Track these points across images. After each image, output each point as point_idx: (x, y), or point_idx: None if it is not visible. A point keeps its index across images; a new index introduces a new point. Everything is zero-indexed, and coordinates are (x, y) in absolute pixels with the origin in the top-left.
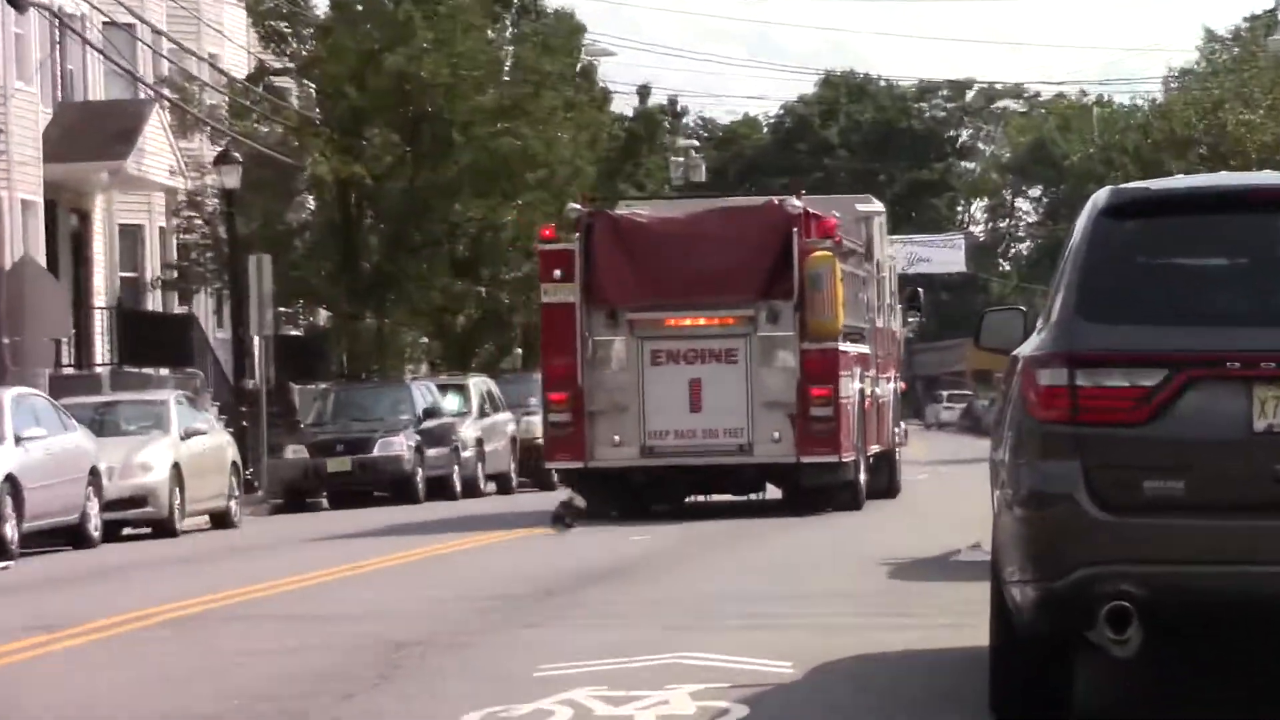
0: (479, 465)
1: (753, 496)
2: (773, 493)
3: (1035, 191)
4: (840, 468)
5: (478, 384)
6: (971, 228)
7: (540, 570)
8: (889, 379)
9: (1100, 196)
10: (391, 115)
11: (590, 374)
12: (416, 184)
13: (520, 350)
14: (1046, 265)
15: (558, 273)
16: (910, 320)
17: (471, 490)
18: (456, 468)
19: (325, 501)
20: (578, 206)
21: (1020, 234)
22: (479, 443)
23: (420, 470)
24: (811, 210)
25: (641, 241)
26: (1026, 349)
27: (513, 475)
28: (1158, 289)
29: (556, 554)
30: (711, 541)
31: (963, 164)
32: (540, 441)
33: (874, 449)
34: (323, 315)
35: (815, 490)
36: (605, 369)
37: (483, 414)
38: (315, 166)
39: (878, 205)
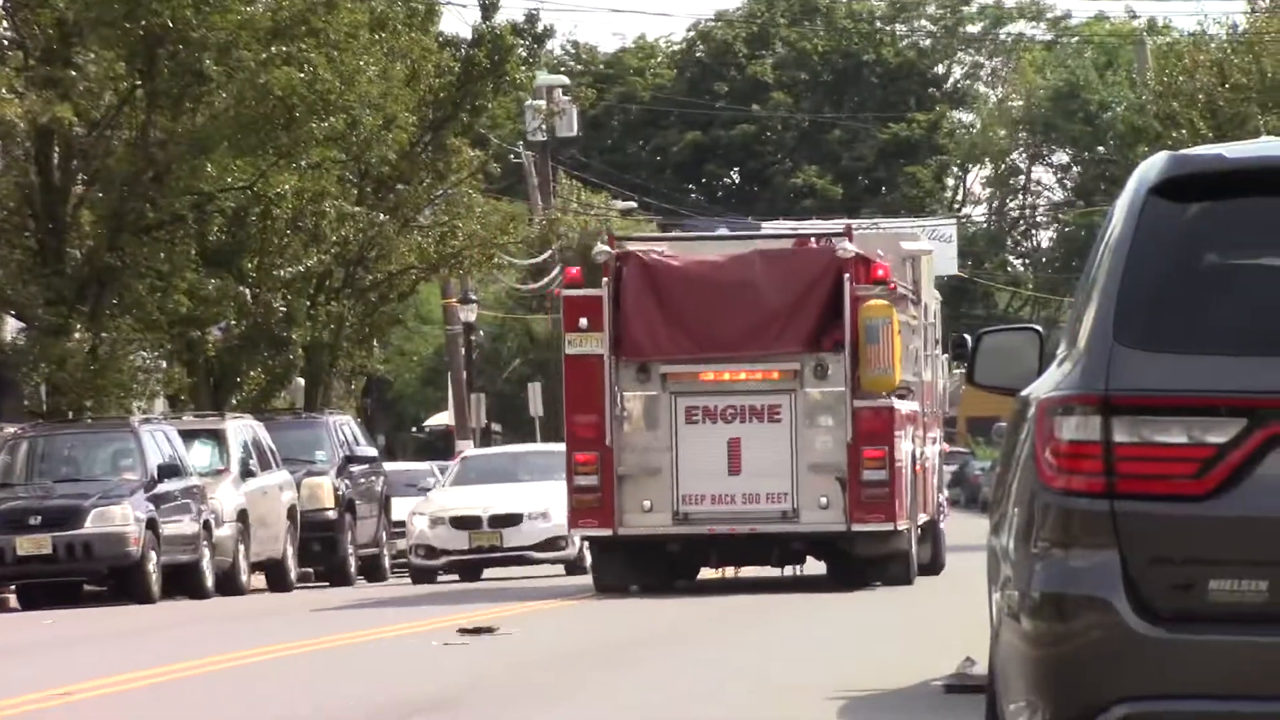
0: (240, 548)
1: (789, 570)
2: (811, 566)
3: (1061, 157)
4: (895, 537)
5: (239, 430)
6: (968, 209)
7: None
8: (934, 439)
9: (1152, 167)
10: (114, 32)
11: (619, 433)
12: (150, 135)
13: (303, 380)
14: (1074, 266)
15: (584, 321)
16: (956, 371)
17: (229, 584)
18: (207, 552)
19: (13, 598)
20: (606, 249)
21: (1038, 219)
22: (241, 516)
23: (154, 555)
24: (861, 252)
25: (675, 287)
26: (1042, 388)
27: (290, 563)
28: (1233, 303)
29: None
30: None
31: (956, 116)
32: (332, 515)
33: (922, 518)
34: (10, 326)
35: (866, 562)
36: (635, 428)
37: (247, 473)
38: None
39: (925, 244)
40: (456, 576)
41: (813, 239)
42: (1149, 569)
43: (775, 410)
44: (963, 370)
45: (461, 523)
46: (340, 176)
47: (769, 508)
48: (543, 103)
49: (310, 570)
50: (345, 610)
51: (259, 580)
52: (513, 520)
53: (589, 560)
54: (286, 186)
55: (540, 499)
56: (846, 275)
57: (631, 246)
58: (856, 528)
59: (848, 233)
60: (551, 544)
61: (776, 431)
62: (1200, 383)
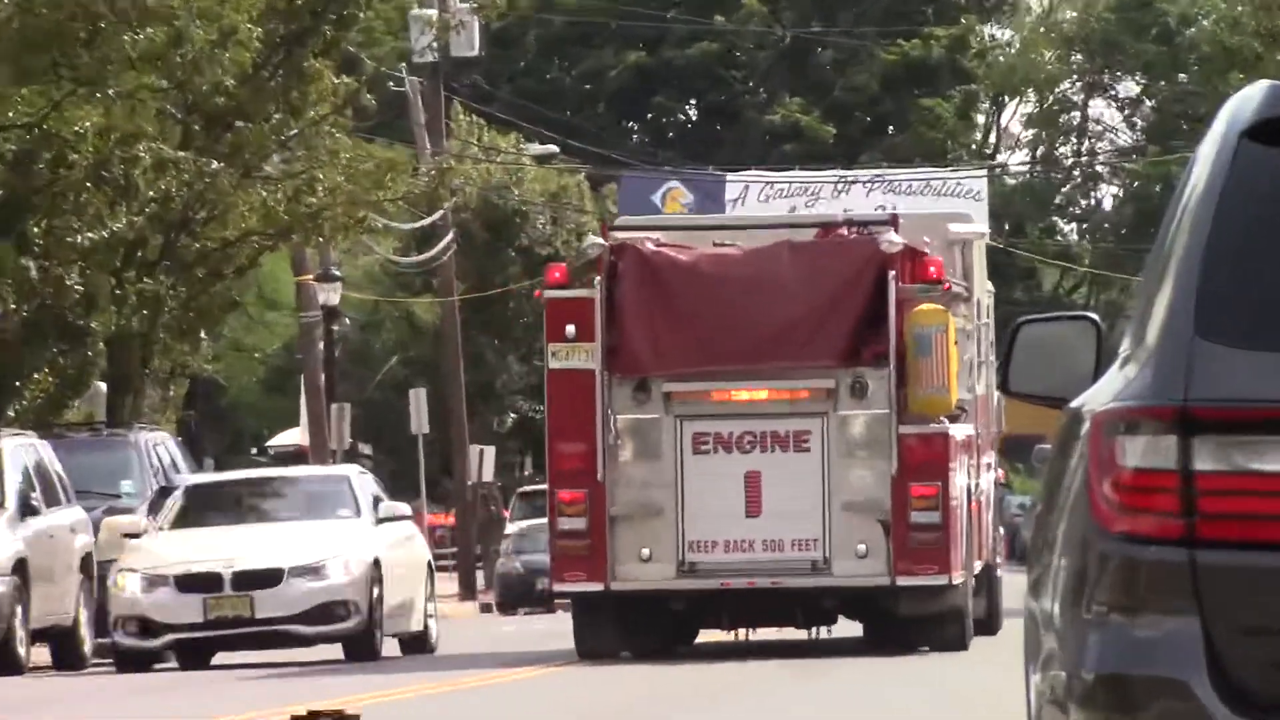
0: (17, 610)
1: (817, 633)
2: (842, 628)
3: (1128, 88)
4: (949, 592)
5: (18, 451)
6: (1003, 156)
7: None
8: (989, 465)
9: (1248, 102)
10: None
11: (612, 466)
12: None
13: (105, 385)
14: (1146, 233)
15: (571, 329)
16: None
17: (3, 659)
18: None
19: None
20: (598, 241)
21: (1097, 169)
22: (19, 567)
23: None
24: (909, 243)
25: (681, 287)
26: (1099, 398)
27: (84, 631)
28: None
29: None
30: None
31: (988, 31)
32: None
33: (977, 565)
34: None
35: (913, 622)
36: (632, 459)
37: (28, 510)
38: None
39: (978, 225)
40: (176, 664)
41: (846, 228)
42: (1241, 642)
43: (803, 438)
44: None
45: (192, 583)
46: (159, 110)
47: (795, 556)
48: (433, 12)
49: (120, 636)
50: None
51: (41, 653)
52: (269, 579)
53: (572, 620)
54: (87, 124)
55: (310, 546)
56: (891, 273)
57: (628, 237)
58: (902, 581)
59: (893, 222)
60: (326, 613)
61: (804, 464)
62: None
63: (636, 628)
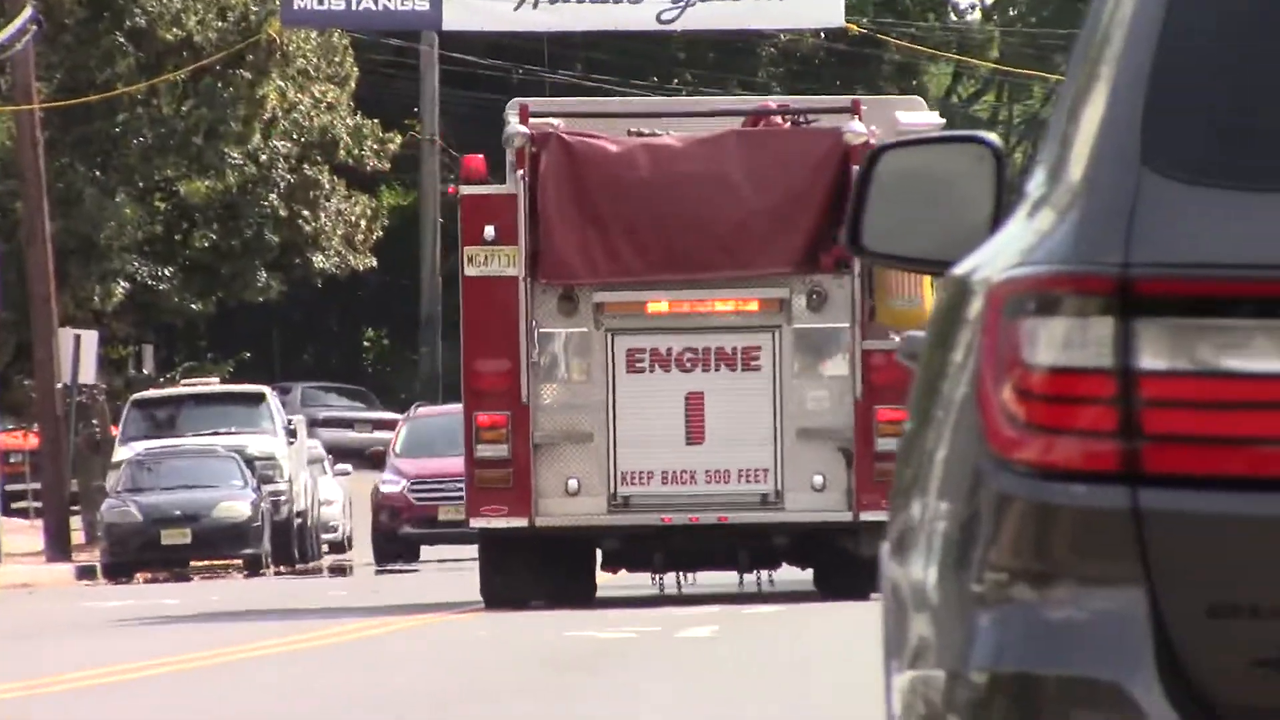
0: None
1: (760, 577)
2: (786, 575)
3: None
4: None
5: None
6: None
7: None
8: None
9: None
10: None
11: (536, 386)
12: None
13: None
14: (1076, 12)
15: (490, 231)
16: None
17: None
18: None
19: None
20: (519, 128)
21: None
22: None
23: None
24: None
25: (612, 182)
26: (995, 261)
27: None
28: None
29: None
30: None
31: None
32: None
33: None
34: None
35: (875, 564)
36: (556, 378)
37: None
38: None
39: (930, 114)
40: None
41: (803, 116)
42: (1204, 626)
43: (752, 355)
44: None
45: None
46: None
47: (743, 489)
48: None
49: None
50: None
51: None
52: None
53: (479, 560)
54: None
55: None
56: (856, 168)
57: (554, 123)
58: (866, 516)
59: (855, 108)
60: None
61: (754, 384)
62: None
63: (552, 571)
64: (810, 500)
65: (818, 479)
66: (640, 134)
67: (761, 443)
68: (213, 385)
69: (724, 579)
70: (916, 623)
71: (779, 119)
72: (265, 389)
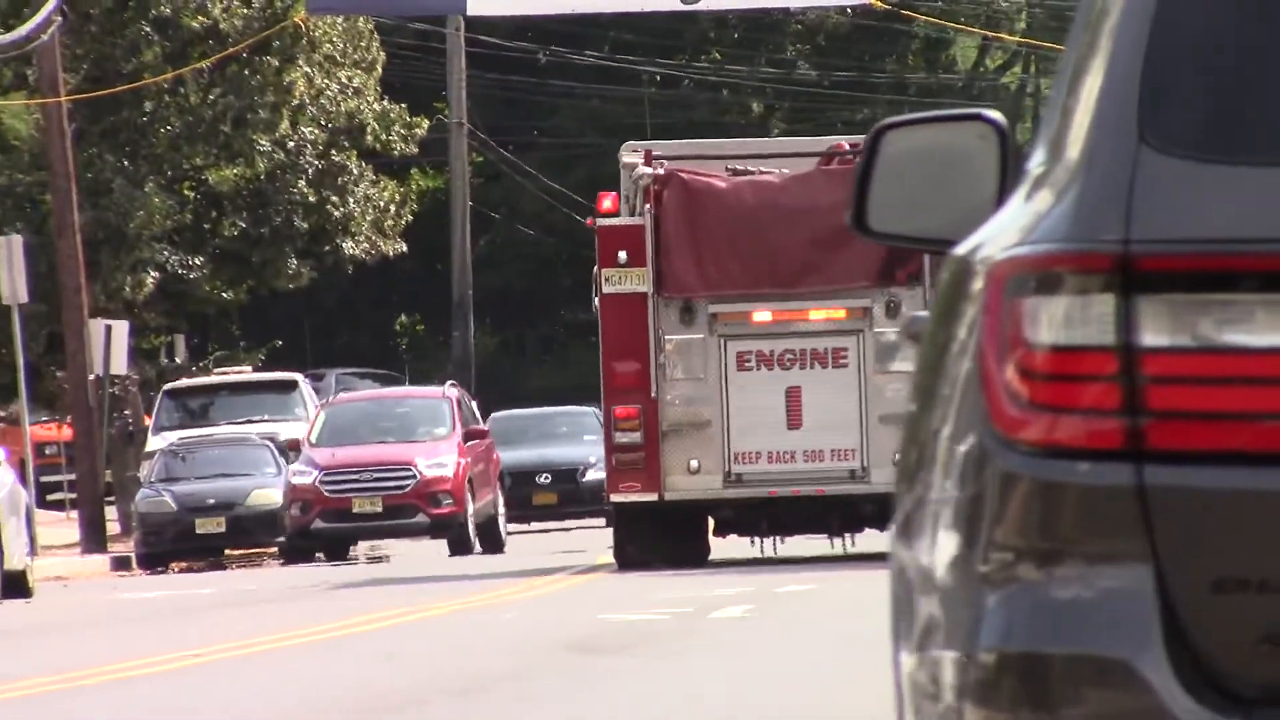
0: None
1: (844, 542)
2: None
3: None
4: None
5: None
6: None
7: None
8: None
9: None
10: None
11: (663, 383)
12: None
13: None
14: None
15: (623, 255)
16: None
17: None
18: None
19: None
20: (646, 170)
21: None
22: None
23: None
24: None
25: (722, 213)
26: (997, 240)
27: None
28: None
29: None
30: None
31: None
32: None
33: None
34: None
35: None
36: (680, 376)
37: None
38: None
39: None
40: None
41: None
42: (1213, 603)
43: (841, 354)
44: None
45: None
46: None
47: (835, 466)
48: None
49: None
50: None
51: None
52: None
53: (613, 530)
54: None
55: None
56: None
57: (675, 165)
58: None
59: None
60: None
61: (842, 379)
62: None
63: (677, 537)
64: (891, 474)
65: (898, 455)
66: (737, 171)
67: (849, 427)
68: (245, 374)
69: (812, 546)
70: (924, 604)
71: (851, 156)
72: (298, 376)
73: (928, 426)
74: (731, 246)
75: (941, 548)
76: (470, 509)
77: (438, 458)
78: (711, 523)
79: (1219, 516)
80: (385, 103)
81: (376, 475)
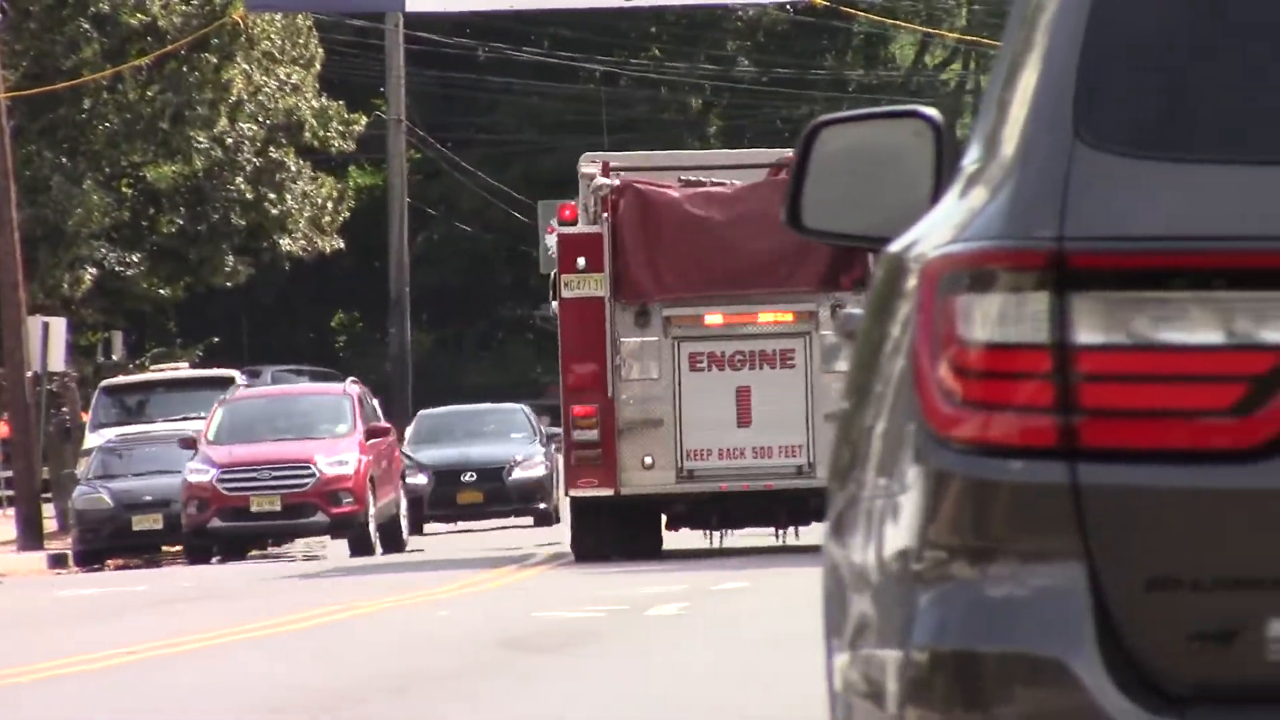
0: None
1: (785, 535)
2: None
3: None
4: None
5: None
6: None
7: None
8: None
9: None
10: None
11: (619, 383)
12: None
13: None
14: None
15: (582, 261)
16: None
17: None
18: None
19: None
20: (604, 180)
21: None
22: None
23: None
24: None
25: (676, 221)
26: (930, 237)
27: None
28: None
29: None
30: None
31: None
32: None
33: None
34: None
35: None
36: (635, 377)
37: None
38: None
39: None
40: None
41: None
42: (1146, 601)
43: (788, 355)
44: None
45: None
46: None
47: (783, 462)
48: None
49: None
50: None
51: None
52: None
53: (571, 524)
54: None
55: None
56: None
57: (631, 176)
58: None
59: None
60: None
61: (790, 379)
62: (1250, 219)
63: (631, 531)
64: None
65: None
66: (689, 181)
67: (797, 425)
68: (182, 370)
69: (757, 537)
70: (857, 602)
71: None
72: (235, 373)
73: (861, 424)
74: (685, 253)
75: (874, 546)
76: (372, 508)
77: (338, 455)
78: (664, 518)
79: (1152, 515)
80: (324, 99)
81: (275, 473)
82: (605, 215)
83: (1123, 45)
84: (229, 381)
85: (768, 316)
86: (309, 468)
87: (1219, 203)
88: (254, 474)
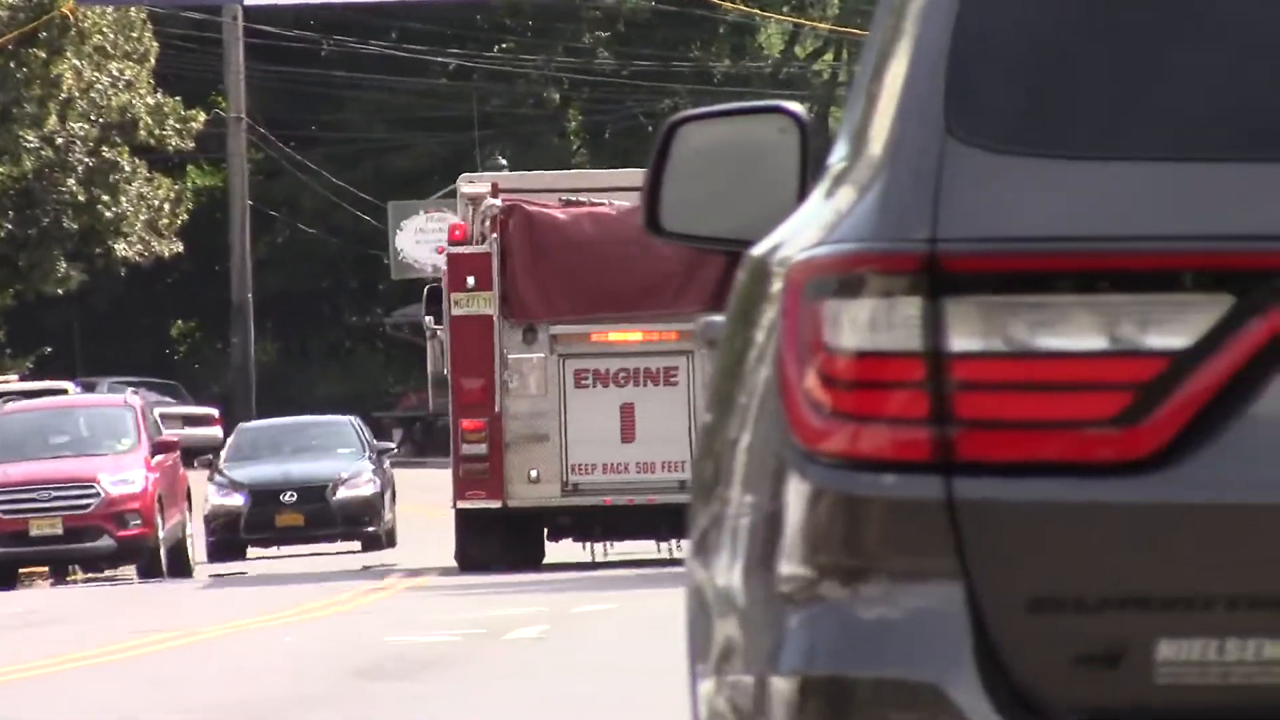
0: None
1: (671, 548)
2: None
3: None
4: None
5: None
6: None
7: None
8: None
9: None
10: None
11: (506, 399)
12: None
13: None
14: None
15: (471, 280)
16: None
17: None
18: None
19: None
20: (493, 201)
21: None
22: None
23: None
24: None
25: (563, 242)
26: (796, 240)
27: None
28: (1195, 53)
29: None
30: None
31: None
32: None
33: None
34: None
35: None
36: (522, 393)
37: None
38: None
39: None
40: None
41: None
42: (1026, 621)
43: (671, 373)
44: None
45: None
46: None
47: (665, 477)
48: None
49: None
50: None
51: None
52: None
53: (456, 534)
54: None
55: None
56: None
57: (516, 197)
58: None
59: None
60: None
61: (673, 396)
62: (1135, 218)
63: (515, 542)
64: None
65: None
66: (570, 201)
67: (679, 441)
68: (11, 383)
69: (640, 548)
70: (722, 625)
71: None
72: (68, 384)
73: (725, 437)
74: (571, 273)
75: (740, 566)
76: (161, 531)
77: (123, 474)
78: (546, 530)
79: (1033, 531)
80: (159, 96)
81: (55, 494)
82: (494, 235)
83: (997, 35)
84: (61, 394)
85: (652, 335)
86: (93, 487)
87: (1101, 201)
88: (32, 495)
